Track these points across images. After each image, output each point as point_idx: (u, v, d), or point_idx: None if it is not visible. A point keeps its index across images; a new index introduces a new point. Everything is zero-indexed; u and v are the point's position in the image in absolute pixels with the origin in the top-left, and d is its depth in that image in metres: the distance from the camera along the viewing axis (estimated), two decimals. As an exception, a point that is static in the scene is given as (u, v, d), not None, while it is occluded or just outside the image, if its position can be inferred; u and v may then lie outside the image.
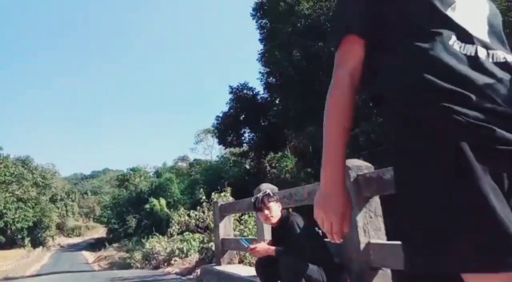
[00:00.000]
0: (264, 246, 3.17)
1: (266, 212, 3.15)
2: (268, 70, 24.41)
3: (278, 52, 21.48)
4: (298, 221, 3.06)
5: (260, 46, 25.69)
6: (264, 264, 3.14)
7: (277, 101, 25.67)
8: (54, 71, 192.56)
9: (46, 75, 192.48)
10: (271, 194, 3.26)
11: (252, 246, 3.20)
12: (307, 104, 19.22)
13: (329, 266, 2.94)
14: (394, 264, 2.70)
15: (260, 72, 25.30)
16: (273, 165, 26.12)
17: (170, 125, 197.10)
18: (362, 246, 2.82)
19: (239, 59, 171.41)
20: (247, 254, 6.23)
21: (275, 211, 3.18)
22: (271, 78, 24.60)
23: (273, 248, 3.04)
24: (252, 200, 3.34)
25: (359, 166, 2.98)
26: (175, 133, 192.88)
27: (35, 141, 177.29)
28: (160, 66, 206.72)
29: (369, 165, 3.02)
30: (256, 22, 25.86)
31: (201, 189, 11.77)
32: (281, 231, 3.16)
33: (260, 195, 3.24)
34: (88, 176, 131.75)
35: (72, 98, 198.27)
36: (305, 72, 19.84)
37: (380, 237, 2.88)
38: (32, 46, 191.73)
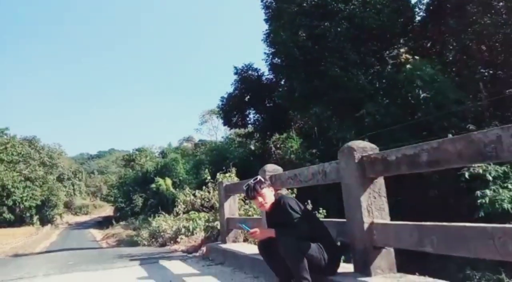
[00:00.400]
0: (264, 229, 3.19)
1: (260, 199, 3.14)
2: (273, 50, 24.15)
3: (283, 33, 21.22)
4: (290, 202, 3.04)
5: (265, 26, 25.40)
6: (266, 245, 3.18)
7: (282, 82, 25.49)
8: (60, 53, 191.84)
9: (53, 57, 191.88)
10: (263, 180, 3.23)
11: (252, 230, 3.22)
12: (313, 85, 19.09)
13: (328, 243, 2.99)
14: (397, 243, 2.75)
15: (265, 53, 25.06)
16: (278, 145, 26.19)
17: (175, 106, 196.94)
18: (365, 225, 2.86)
19: (245, 40, 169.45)
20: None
21: (269, 197, 3.16)
22: (276, 59, 24.35)
23: (273, 230, 3.05)
24: (244, 187, 3.30)
25: (364, 147, 2.99)
26: (180, 114, 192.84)
27: (41, 121, 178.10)
28: (165, 47, 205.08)
29: (374, 146, 3.03)
30: (262, 1, 25.45)
31: (206, 169, 11.86)
32: (275, 214, 3.16)
33: (251, 182, 3.20)
34: (94, 156, 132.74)
35: (77, 79, 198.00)
36: (311, 53, 19.62)
37: (383, 217, 2.92)
38: (38, 27, 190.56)
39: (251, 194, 3.16)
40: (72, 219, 73.67)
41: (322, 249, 2.90)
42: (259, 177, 3.29)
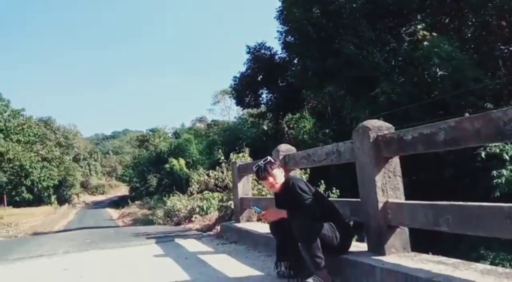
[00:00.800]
0: (275, 210, 3.20)
1: (271, 179, 3.13)
2: (286, 28, 23.76)
3: (296, 10, 20.81)
4: (299, 183, 3.04)
5: (278, 3, 24.93)
6: (277, 225, 3.20)
7: (295, 61, 25.17)
8: (74, 36, 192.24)
9: (67, 39, 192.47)
10: (273, 161, 3.22)
11: (263, 212, 3.22)
12: (326, 64, 18.79)
13: (339, 223, 3.00)
14: (412, 222, 2.73)
15: (278, 31, 24.68)
16: (291, 125, 26.09)
17: (188, 87, 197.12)
18: (380, 205, 2.84)
19: (258, 18, 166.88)
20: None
21: (279, 177, 3.15)
22: (289, 37, 23.97)
23: (284, 211, 3.06)
24: (254, 168, 3.29)
25: (379, 126, 2.95)
26: (193, 94, 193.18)
27: (55, 102, 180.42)
28: (177, 28, 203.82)
29: (390, 125, 2.98)
30: (274, -23, 24.96)
31: (220, 150, 11.91)
32: (284, 195, 3.16)
33: (261, 162, 3.19)
34: (108, 137, 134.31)
35: (90, 61, 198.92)
36: (325, 30, 19.24)
37: (398, 197, 2.89)
38: (50, 8, 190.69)
39: (262, 174, 3.15)
40: (89, 199, 75.30)
41: (334, 228, 2.91)
42: (269, 158, 3.27)
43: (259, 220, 6.15)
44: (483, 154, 10.28)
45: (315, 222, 2.87)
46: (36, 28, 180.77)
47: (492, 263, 9.45)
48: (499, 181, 10.08)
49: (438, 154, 12.29)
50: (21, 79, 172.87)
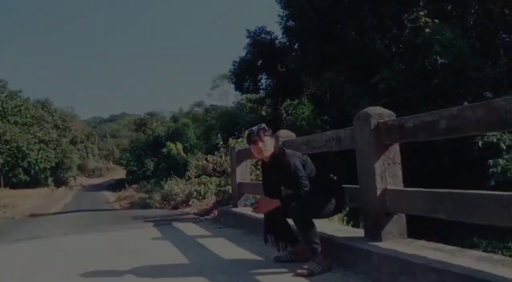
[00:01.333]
0: (267, 201, 3.17)
1: (261, 145, 3.14)
2: (287, 13, 23.47)
3: (298, -7, 20.53)
4: (295, 161, 3.03)
5: (279, -14, 24.51)
6: (270, 213, 3.18)
7: (295, 46, 24.96)
8: (72, 14, 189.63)
9: (63, 18, 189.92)
10: (266, 129, 3.24)
11: (255, 205, 3.20)
12: (327, 50, 18.64)
13: (332, 188, 3.10)
14: (410, 210, 2.76)
15: (279, 15, 24.37)
16: (290, 112, 25.98)
17: (187, 71, 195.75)
18: (378, 192, 2.86)
19: (258, 1, 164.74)
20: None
21: (269, 145, 3.17)
22: (290, 21, 23.70)
23: (277, 200, 3.05)
24: (247, 132, 3.32)
25: (381, 113, 2.95)
26: (192, 79, 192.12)
27: (52, 84, 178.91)
28: (176, 10, 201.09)
29: (391, 112, 2.98)
30: (276, -41, 24.46)
31: (219, 135, 11.94)
32: (274, 167, 3.19)
33: (255, 128, 3.23)
34: (106, 120, 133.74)
35: (87, 43, 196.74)
36: (327, 15, 19.02)
37: (397, 184, 2.91)
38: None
39: (253, 138, 3.15)
40: (86, 181, 75.28)
41: (328, 198, 2.99)
42: (263, 125, 3.30)
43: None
44: (480, 143, 10.33)
45: (311, 206, 2.92)
46: (28, 9, 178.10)
47: (484, 251, 9.58)
48: (495, 170, 10.15)
49: (435, 142, 12.32)
50: (18, 60, 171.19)
